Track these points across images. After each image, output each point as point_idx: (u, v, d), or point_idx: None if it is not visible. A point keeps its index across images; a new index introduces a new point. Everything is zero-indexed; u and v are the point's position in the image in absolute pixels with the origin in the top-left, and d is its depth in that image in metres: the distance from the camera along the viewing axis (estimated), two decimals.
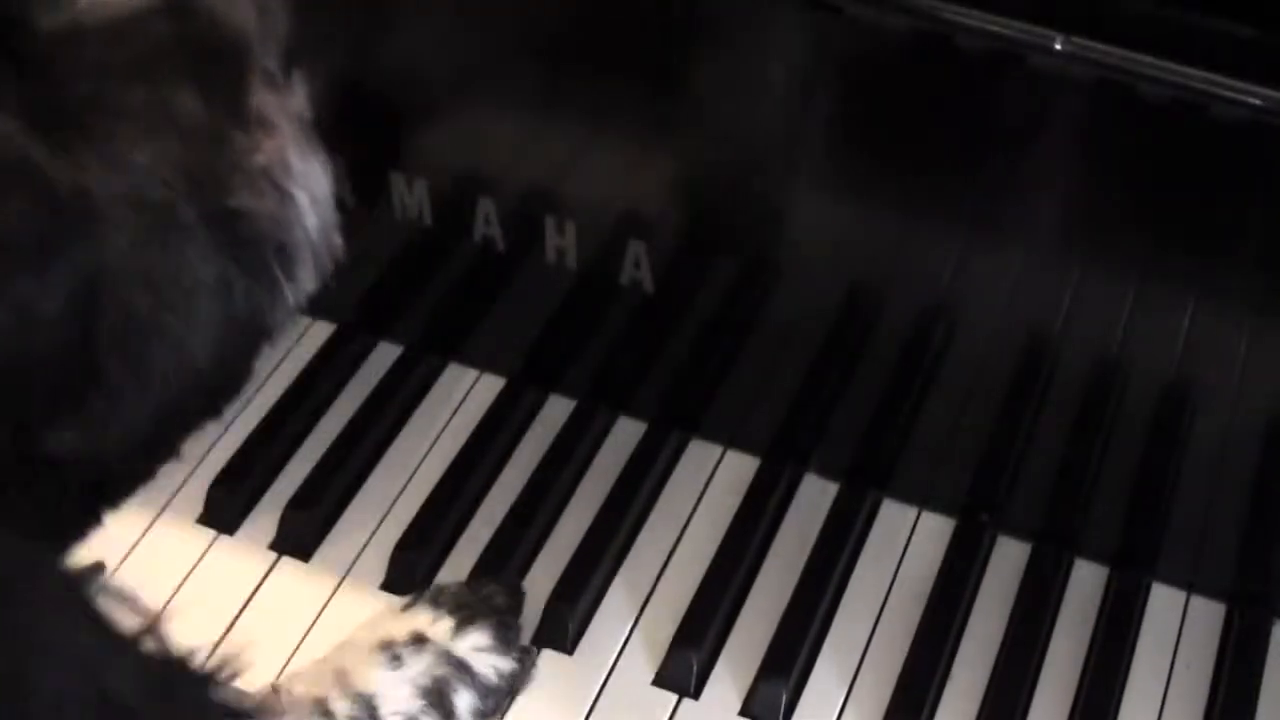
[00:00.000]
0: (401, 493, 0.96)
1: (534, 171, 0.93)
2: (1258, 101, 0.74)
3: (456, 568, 0.92)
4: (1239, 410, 0.85)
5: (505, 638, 0.85)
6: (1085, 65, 0.76)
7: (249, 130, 0.51)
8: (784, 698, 0.86)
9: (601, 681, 0.87)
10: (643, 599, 0.91)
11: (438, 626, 0.84)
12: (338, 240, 0.56)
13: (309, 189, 0.54)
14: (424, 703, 0.82)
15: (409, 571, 0.91)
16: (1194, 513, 0.90)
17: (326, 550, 0.93)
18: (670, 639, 0.89)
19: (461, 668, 0.83)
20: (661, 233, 0.91)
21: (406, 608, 0.87)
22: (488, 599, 0.87)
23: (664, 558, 0.94)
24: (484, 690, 0.83)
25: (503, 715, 0.85)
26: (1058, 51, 0.76)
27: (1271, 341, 0.82)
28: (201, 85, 0.49)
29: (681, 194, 0.90)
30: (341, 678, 0.82)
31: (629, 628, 0.90)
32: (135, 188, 0.47)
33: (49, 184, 0.45)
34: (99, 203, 0.46)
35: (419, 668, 0.82)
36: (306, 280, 0.55)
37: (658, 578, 0.93)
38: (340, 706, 0.81)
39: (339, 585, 0.91)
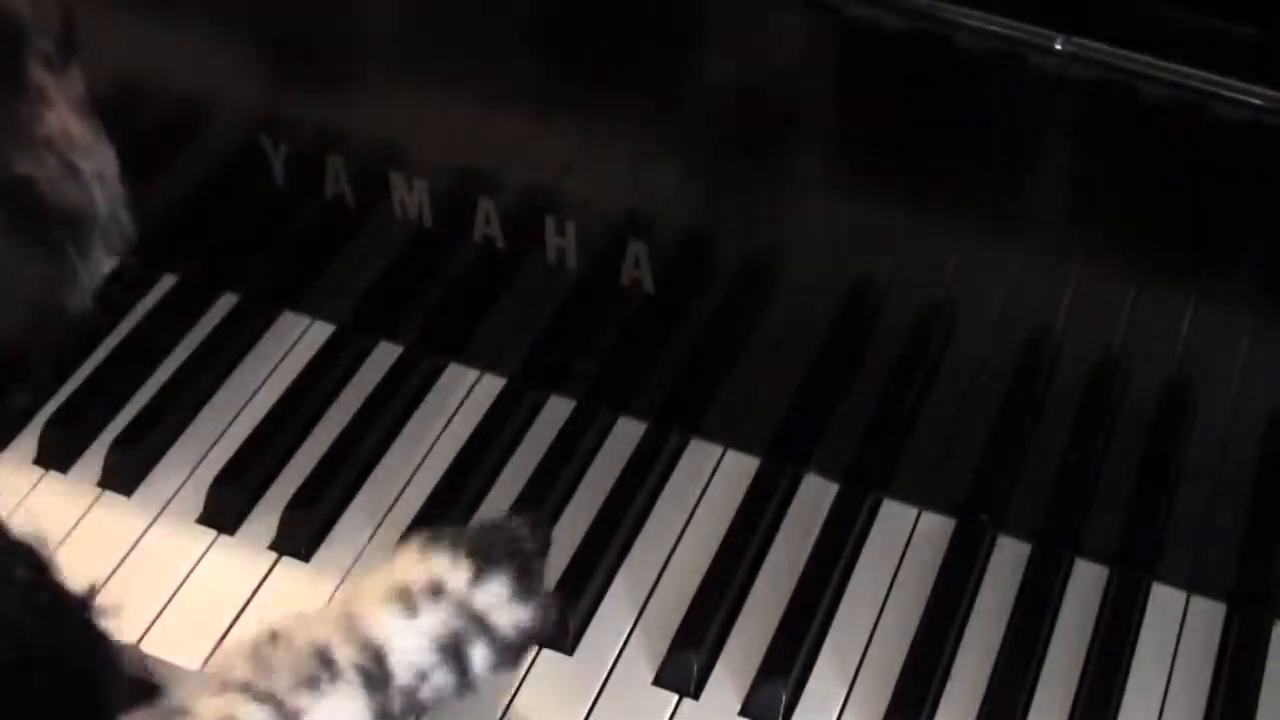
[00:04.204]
0: (402, 493, 0.96)
1: (534, 171, 0.93)
2: (1258, 101, 0.74)
3: None
4: (1239, 410, 0.85)
5: (527, 586, 0.81)
6: (1085, 65, 0.76)
7: (28, 102, 0.52)
8: (784, 698, 0.86)
9: (601, 681, 0.87)
10: (643, 599, 0.91)
11: (456, 574, 0.79)
12: (127, 219, 0.56)
13: (94, 165, 0.54)
14: (437, 656, 0.78)
15: None
16: (1194, 513, 0.90)
17: (326, 550, 0.93)
18: (670, 639, 0.89)
19: (478, 621, 0.79)
20: (662, 233, 0.91)
21: (424, 549, 0.81)
22: (512, 543, 0.82)
23: (664, 558, 0.94)
24: (501, 644, 0.79)
25: (519, 664, 0.83)
26: (1058, 51, 0.76)
27: (1271, 341, 0.82)
28: None
29: (682, 194, 0.90)
30: (350, 623, 0.77)
31: (629, 628, 0.90)
32: None
33: None
34: None
35: (434, 619, 0.78)
36: (99, 258, 0.55)
37: (658, 578, 0.93)
38: (345, 654, 0.76)
39: (339, 585, 0.91)
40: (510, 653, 0.81)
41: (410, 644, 0.77)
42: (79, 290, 0.54)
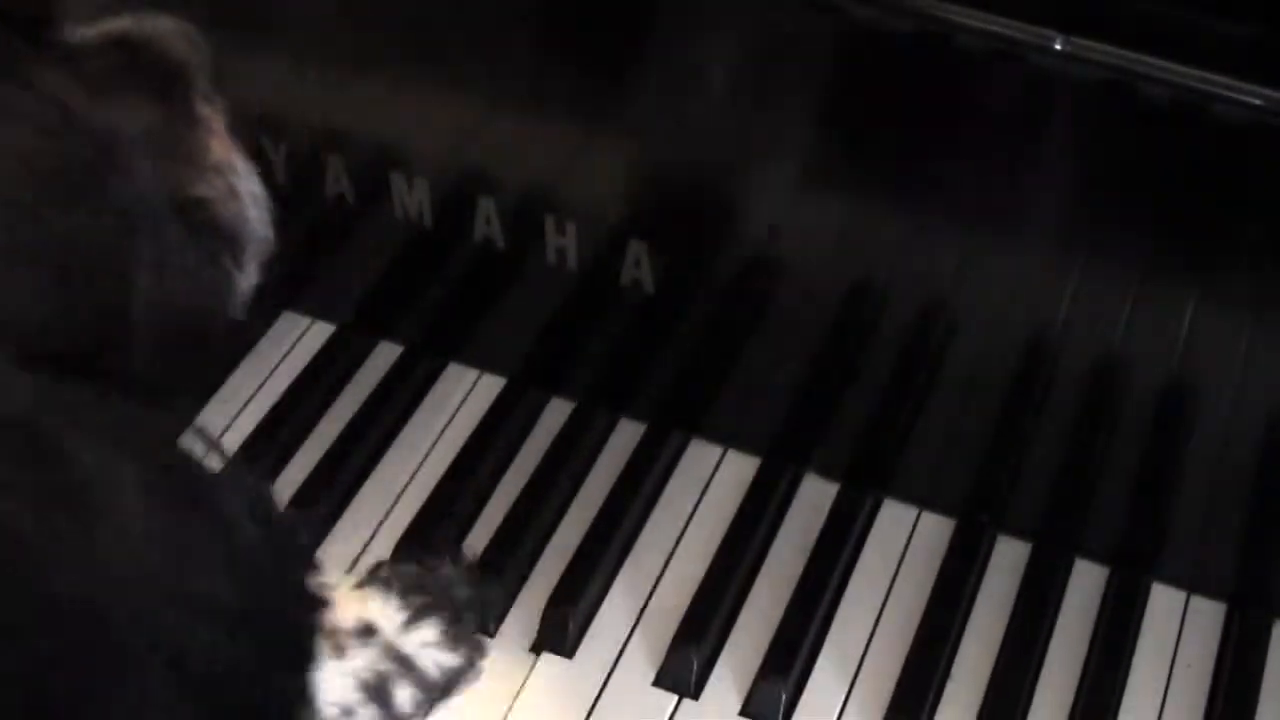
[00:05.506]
0: (402, 493, 0.96)
1: (534, 171, 0.93)
2: (1258, 101, 0.74)
3: None
4: (1239, 410, 0.85)
5: (456, 634, 0.82)
6: (1085, 65, 0.76)
7: (199, 133, 0.60)
8: (784, 698, 0.86)
9: (602, 682, 0.87)
10: (643, 599, 0.91)
11: (388, 617, 0.81)
12: (273, 237, 0.63)
13: (250, 187, 0.62)
14: (362, 695, 0.79)
15: None
16: (1194, 512, 0.90)
17: (325, 552, 0.93)
18: (670, 639, 0.89)
19: (405, 663, 0.80)
20: (662, 233, 0.91)
21: (358, 586, 0.83)
22: (447, 589, 0.84)
23: (664, 558, 0.94)
24: (426, 685, 0.81)
25: (446, 701, 0.83)
26: (1058, 51, 0.76)
27: (1271, 341, 0.82)
28: (157, 97, 0.58)
29: (682, 194, 0.90)
30: None
31: (629, 628, 0.90)
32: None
33: (88, 124, 0.54)
34: (124, 143, 0.55)
35: (362, 661, 0.80)
36: (251, 271, 0.62)
37: (658, 578, 0.92)
38: None
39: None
40: (437, 692, 0.82)
41: (335, 684, 0.79)
42: (235, 301, 0.61)
